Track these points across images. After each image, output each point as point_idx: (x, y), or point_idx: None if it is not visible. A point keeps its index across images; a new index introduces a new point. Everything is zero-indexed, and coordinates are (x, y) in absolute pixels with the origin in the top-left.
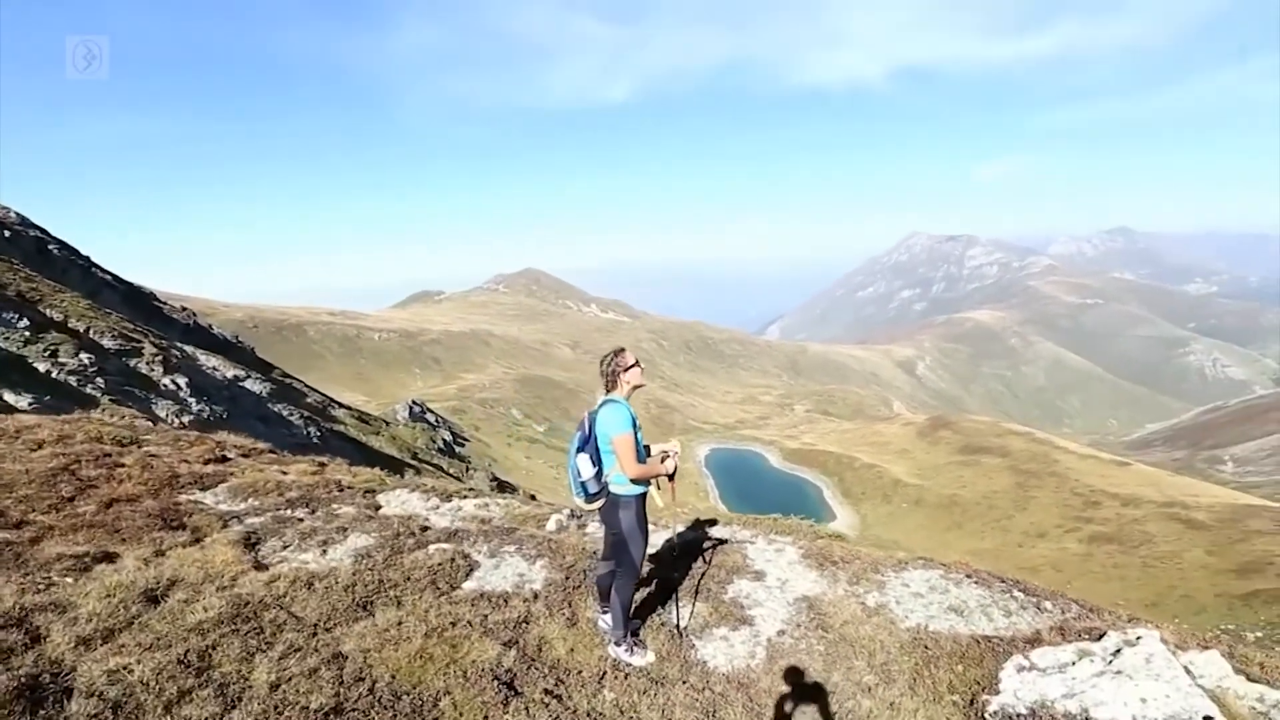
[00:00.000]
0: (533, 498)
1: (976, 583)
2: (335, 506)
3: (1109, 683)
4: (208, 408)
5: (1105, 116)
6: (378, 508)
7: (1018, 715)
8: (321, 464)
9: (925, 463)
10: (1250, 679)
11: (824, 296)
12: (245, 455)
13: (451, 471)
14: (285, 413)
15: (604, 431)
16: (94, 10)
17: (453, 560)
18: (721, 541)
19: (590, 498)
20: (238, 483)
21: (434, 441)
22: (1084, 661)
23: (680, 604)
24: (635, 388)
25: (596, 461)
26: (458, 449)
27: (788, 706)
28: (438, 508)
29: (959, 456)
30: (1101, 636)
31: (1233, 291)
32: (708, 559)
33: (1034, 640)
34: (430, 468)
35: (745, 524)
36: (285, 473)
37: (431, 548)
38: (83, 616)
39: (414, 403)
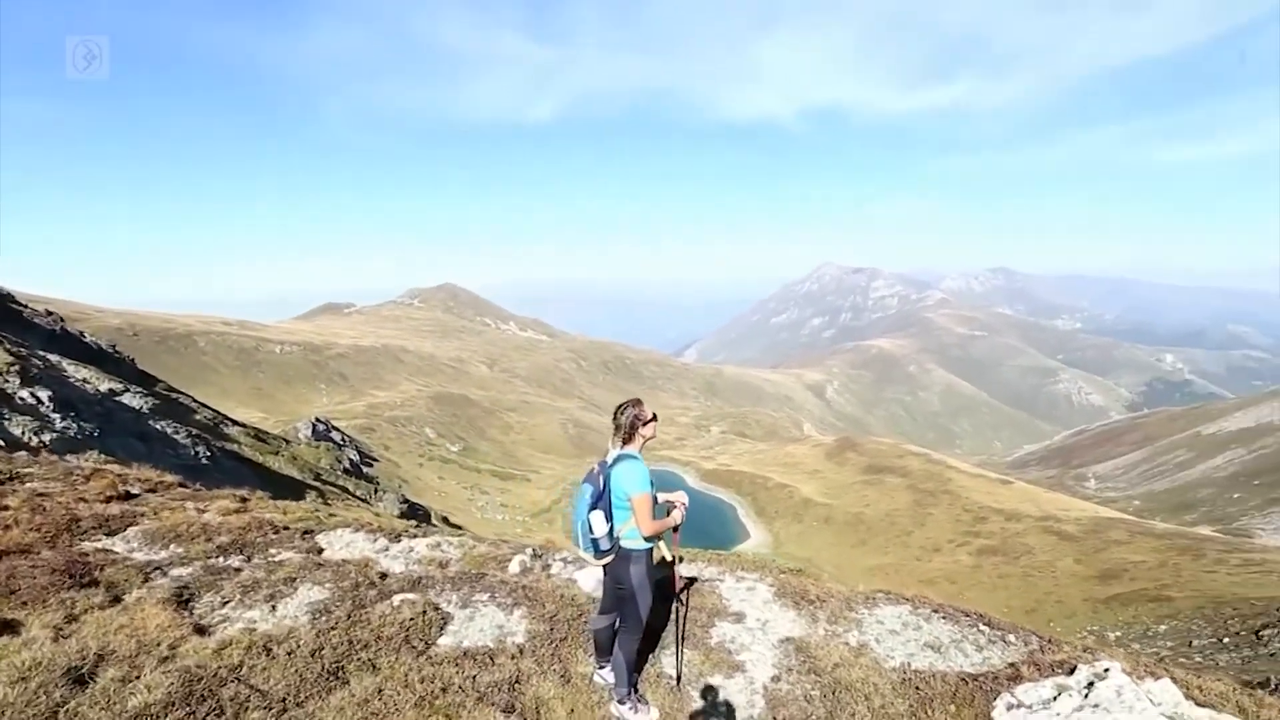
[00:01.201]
0: (446, 520)
1: (944, 617)
2: (274, 551)
3: (1090, 717)
4: (75, 425)
5: (989, 166)
6: (320, 550)
7: None
8: (244, 499)
9: (834, 482)
10: (1198, 704)
11: (740, 321)
12: (152, 490)
13: (358, 493)
14: (169, 431)
15: (621, 489)
16: None
17: (424, 613)
18: (691, 580)
19: (600, 554)
20: (153, 526)
21: (339, 462)
22: (1064, 696)
23: (669, 651)
24: (648, 440)
25: (610, 518)
26: (365, 469)
27: None
28: (387, 549)
29: (864, 476)
30: (1073, 670)
31: (1093, 328)
32: (684, 600)
33: (1015, 676)
34: (335, 489)
35: (710, 560)
36: (204, 510)
37: (396, 599)
38: None
39: (318, 420)
